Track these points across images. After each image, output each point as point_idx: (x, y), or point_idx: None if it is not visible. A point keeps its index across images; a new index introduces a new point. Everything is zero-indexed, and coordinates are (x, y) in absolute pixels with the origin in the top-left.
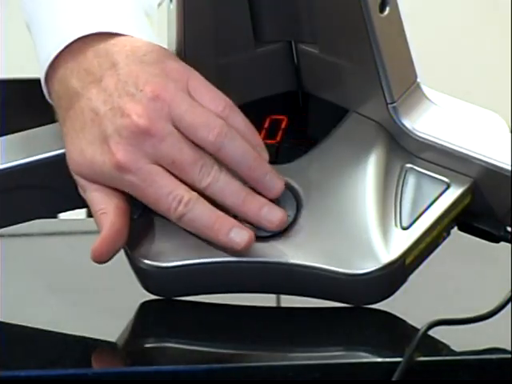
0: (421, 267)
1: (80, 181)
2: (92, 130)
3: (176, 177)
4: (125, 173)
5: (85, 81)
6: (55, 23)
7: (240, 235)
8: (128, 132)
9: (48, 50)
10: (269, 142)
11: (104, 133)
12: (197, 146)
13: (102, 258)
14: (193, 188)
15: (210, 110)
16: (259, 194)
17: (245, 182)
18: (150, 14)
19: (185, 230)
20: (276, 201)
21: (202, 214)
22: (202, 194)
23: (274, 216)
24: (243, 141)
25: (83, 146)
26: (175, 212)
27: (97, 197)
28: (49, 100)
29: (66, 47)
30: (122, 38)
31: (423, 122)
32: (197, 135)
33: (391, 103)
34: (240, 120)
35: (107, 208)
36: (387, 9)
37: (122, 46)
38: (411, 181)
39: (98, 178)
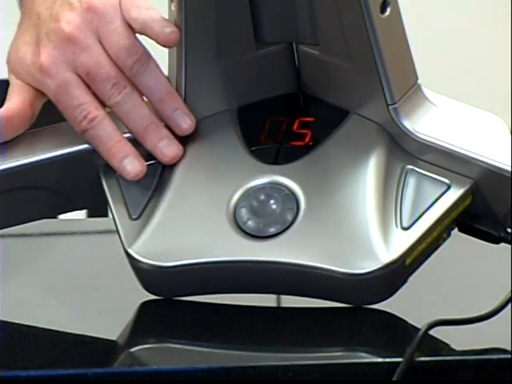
0: (421, 267)
1: (11, 78)
2: (32, 33)
3: (92, 91)
4: (45, 75)
5: None
6: None
7: (132, 164)
8: (55, 36)
9: None
10: (270, 143)
11: (38, 36)
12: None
13: None
14: (104, 105)
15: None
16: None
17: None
18: None
19: (185, 230)
20: (276, 201)
21: (103, 135)
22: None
23: (169, 150)
24: (160, 73)
25: (20, 44)
26: (79, 125)
27: (14, 85)
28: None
29: None
30: None
31: (424, 124)
32: (118, 56)
33: (392, 104)
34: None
35: (14, 98)
36: (388, 10)
37: None
38: (412, 182)
39: (25, 77)
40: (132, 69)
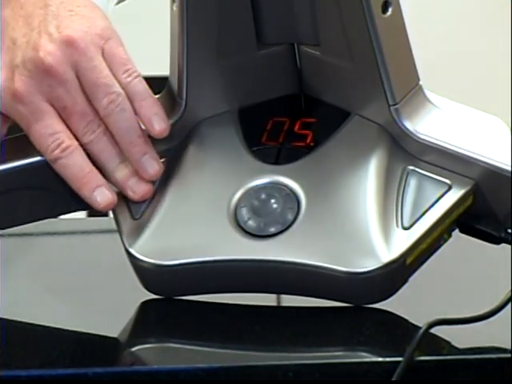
0: (422, 267)
1: None
2: (5, 57)
3: (65, 123)
4: (18, 102)
5: (16, 13)
6: None
7: (103, 195)
8: (32, 65)
9: None
10: (271, 143)
11: (13, 61)
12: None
13: None
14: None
15: (113, 74)
16: None
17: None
18: None
19: (186, 229)
20: (277, 201)
21: (75, 164)
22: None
23: (138, 188)
24: (133, 115)
25: None
26: (51, 153)
27: None
28: None
29: None
30: None
31: (425, 124)
32: (94, 93)
33: (393, 105)
34: (141, 88)
35: None
36: (389, 10)
37: None
38: (413, 183)
39: None
40: (106, 108)
